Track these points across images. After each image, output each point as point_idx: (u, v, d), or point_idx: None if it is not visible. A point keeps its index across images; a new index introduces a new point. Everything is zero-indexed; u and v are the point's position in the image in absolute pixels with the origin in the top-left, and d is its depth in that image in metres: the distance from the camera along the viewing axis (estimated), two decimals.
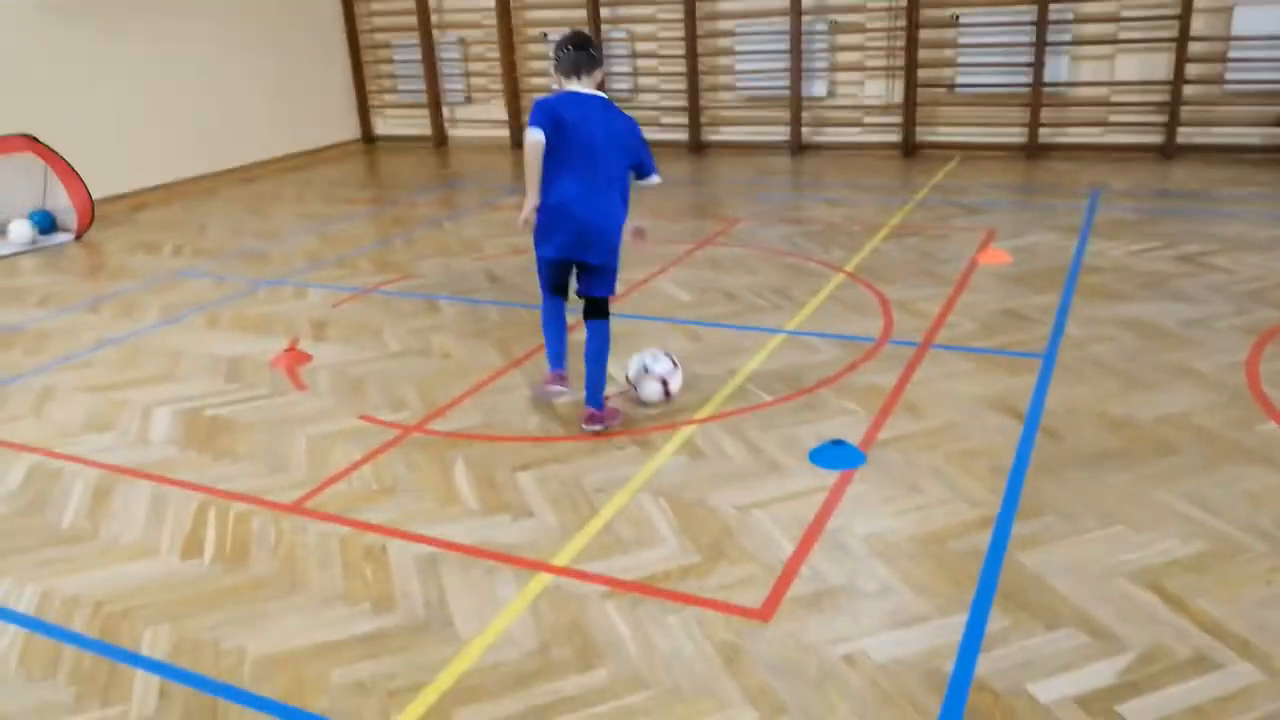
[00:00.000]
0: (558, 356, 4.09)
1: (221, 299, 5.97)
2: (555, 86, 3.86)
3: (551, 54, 3.83)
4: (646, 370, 4.05)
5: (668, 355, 4.10)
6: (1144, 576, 2.77)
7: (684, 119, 10.18)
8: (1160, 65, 8.31)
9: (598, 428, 3.84)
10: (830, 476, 3.42)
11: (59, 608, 2.94)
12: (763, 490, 3.36)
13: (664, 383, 4.04)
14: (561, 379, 4.07)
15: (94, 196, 8.37)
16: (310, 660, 2.63)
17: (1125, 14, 8.34)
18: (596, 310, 3.88)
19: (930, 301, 5.14)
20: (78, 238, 7.78)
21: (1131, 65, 8.44)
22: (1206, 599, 2.66)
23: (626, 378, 4.12)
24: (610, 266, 3.85)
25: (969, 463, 3.46)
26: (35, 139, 7.63)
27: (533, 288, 5.60)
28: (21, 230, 7.53)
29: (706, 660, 2.53)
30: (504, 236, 7.03)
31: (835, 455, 3.52)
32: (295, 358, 4.83)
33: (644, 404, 4.07)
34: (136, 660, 2.68)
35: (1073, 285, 5.27)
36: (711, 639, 2.61)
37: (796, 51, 9.34)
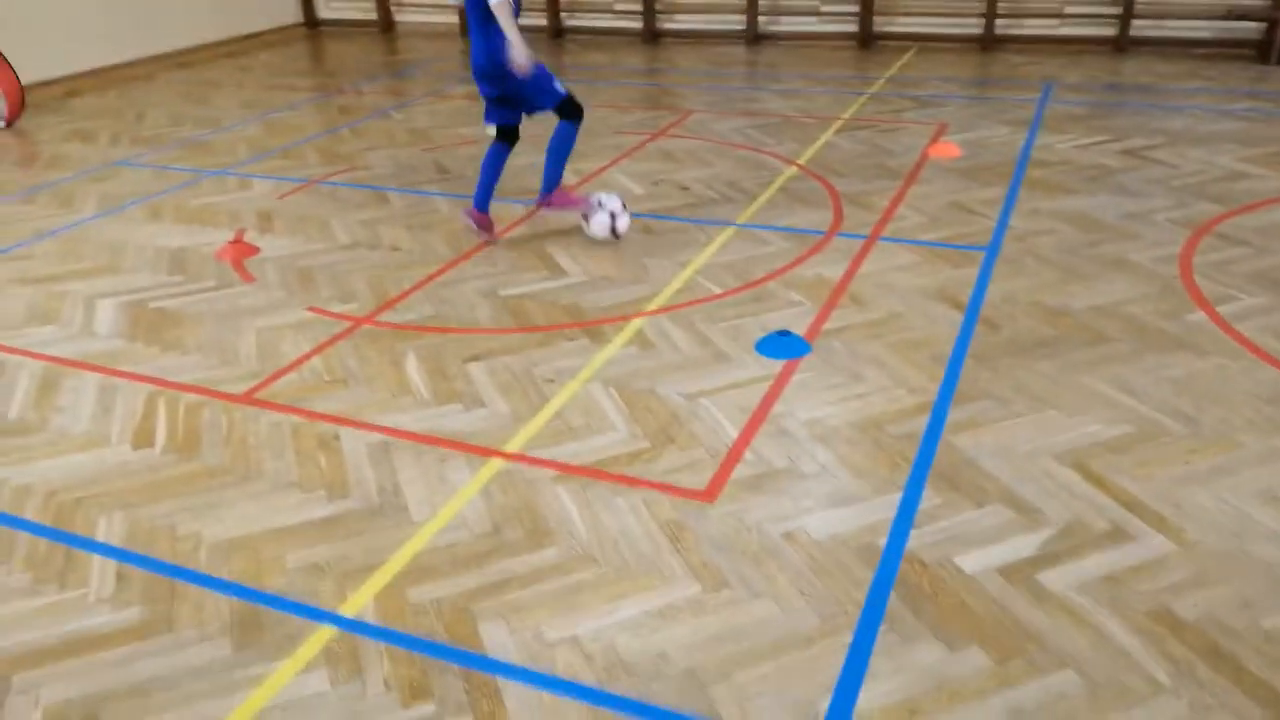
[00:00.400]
0: (482, 197, 4.65)
1: (163, 190, 5.82)
2: None
3: None
4: (600, 204, 4.51)
5: (620, 199, 4.61)
6: (1069, 457, 2.91)
7: (638, 6, 9.92)
8: None
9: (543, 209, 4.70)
10: (776, 366, 3.50)
11: (10, 497, 2.95)
12: (710, 379, 3.43)
13: (612, 218, 4.42)
14: (478, 219, 4.66)
15: (30, 80, 8.04)
16: (266, 544, 2.69)
17: None
18: (560, 114, 4.55)
19: (880, 195, 5.17)
20: (8, 125, 7.47)
21: None
22: (1126, 477, 2.81)
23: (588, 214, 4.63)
24: (518, 94, 4.37)
25: (910, 352, 3.56)
26: None
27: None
28: None
29: (652, 539, 2.64)
30: (453, 126, 6.88)
31: (781, 345, 3.60)
32: (241, 250, 4.76)
33: (593, 239, 4.52)
34: (92, 546, 2.72)
35: (1019, 179, 5.33)
36: (658, 519, 2.71)
37: None
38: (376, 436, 3.18)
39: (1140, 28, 8.40)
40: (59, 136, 7.17)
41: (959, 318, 3.80)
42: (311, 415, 3.32)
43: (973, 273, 4.19)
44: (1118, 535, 2.57)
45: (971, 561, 2.49)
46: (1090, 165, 5.50)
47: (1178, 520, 2.62)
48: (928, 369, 3.44)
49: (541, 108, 4.50)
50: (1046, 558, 2.50)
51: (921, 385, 3.34)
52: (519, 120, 4.56)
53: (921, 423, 3.11)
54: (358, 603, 2.46)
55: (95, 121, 7.57)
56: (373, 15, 11.11)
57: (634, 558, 2.57)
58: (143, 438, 3.24)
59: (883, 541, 2.58)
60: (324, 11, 11.49)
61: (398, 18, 11.19)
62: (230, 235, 4.97)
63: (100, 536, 2.76)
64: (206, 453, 3.14)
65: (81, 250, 4.91)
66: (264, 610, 2.44)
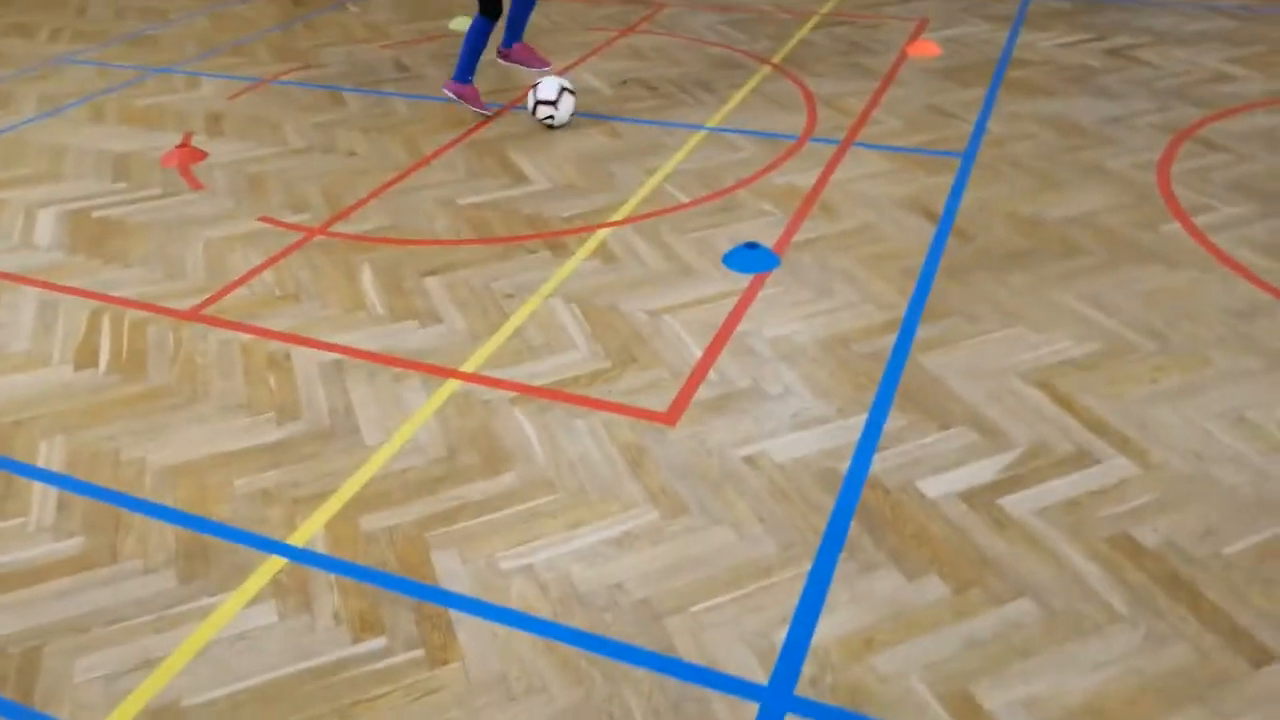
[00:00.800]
0: (461, 67, 4.77)
1: (106, 89, 5.54)
2: None
3: None
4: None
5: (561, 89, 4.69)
6: (1036, 376, 2.85)
7: None
8: None
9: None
10: (743, 280, 3.40)
11: None
12: (675, 295, 3.33)
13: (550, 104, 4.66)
14: (456, 89, 4.80)
15: None
16: (213, 469, 2.62)
17: None
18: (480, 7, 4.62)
19: (855, 97, 4.99)
20: None
21: None
22: (1093, 396, 2.76)
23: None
24: None
25: (880, 265, 3.47)
26: None
27: (442, 79, 5.32)
28: None
29: (612, 464, 2.58)
30: (414, 21, 6.56)
31: (749, 258, 3.49)
32: (189, 154, 4.55)
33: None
34: (33, 472, 2.63)
35: (999, 80, 5.15)
36: (617, 442, 2.65)
37: None
38: (329, 355, 3.08)
39: None
40: None
41: (931, 229, 3.70)
42: (262, 333, 3.21)
43: (948, 180, 4.07)
44: (1082, 458, 2.54)
45: (934, 486, 2.45)
46: (1072, 65, 5.33)
47: (1142, 442, 2.58)
48: (898, 283, 3.36)
49: None
50: (1009, 481, 2.47)
51: (891, 300, 3.26)
52: None
53: (889, 341, 3.04)
54: (307, 532, 2.40)
55: (34, 14, 7.16)
56: None
57: (592, 484, 2.52)
58: (85, 357, 3.12)
59: (845, 466, 2.53)
60: None
61: None
62: (177, 139, 4.75)
63: (41, 462, 2.68)
64: (152, 373, 3.03)
65: (20, 155, 4.68)
66: (210, 540, 2.38)
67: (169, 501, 2.52)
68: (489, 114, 4.87)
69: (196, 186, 4.27)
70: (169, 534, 2.41)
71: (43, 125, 5.03)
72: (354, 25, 6.57)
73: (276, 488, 2.55)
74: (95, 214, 4.05)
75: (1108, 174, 4.07)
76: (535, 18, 6.51)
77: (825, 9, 6.55)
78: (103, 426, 2.80)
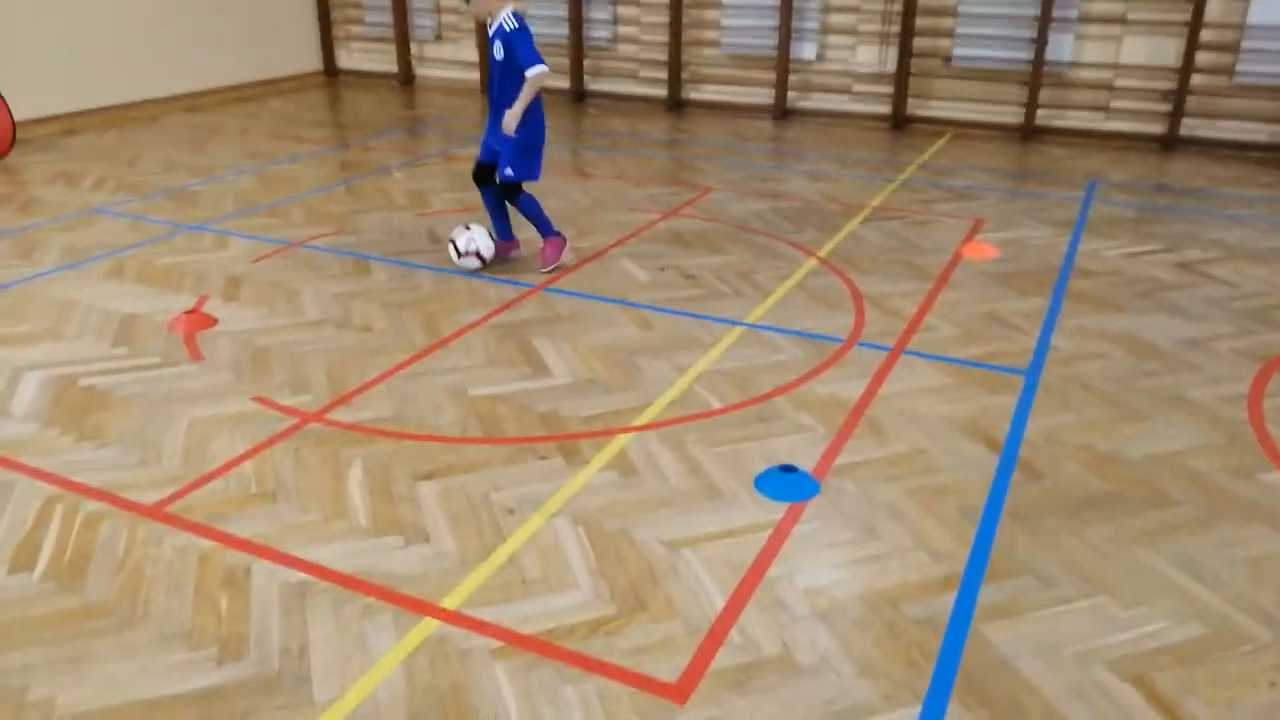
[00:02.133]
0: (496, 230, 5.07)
1: (134, 244, 5.41)
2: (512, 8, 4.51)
3: None
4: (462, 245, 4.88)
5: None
6: (1128, 666, 2.36)
7: (663, 74, 9.58)
8: (1169, 51, 7.82)
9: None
10: (776, 510, 2.98)
11: None
12: (698, 523, 2.91)
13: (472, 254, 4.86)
14: (501, 248, 5.03)
15: (24, 116, 7.77)
16: None
17: None
18: (502, 190, 4.89)
19: (907, 298, 4.68)
20: None
21: (1139, 49, 7.94)
22: (1199, 700, 2.26)
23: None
24: (500, 144, 4.77)
25: (935, 501, 3.03)
26: None
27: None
28: None
29: None
30: (454, 191, 6.48)
31: (784, 484, 3.08)
32: (198, 320, 4.31)
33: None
34: None
35: (1062, 289, 4.83)
36: None
37: (786, 9, 8.75)
38: (295, 575, 2.67)
39: (1191, 126, 7.95)
40: (43, 177, 6.82)
41: (993, 460, 3.27)
42: (225, 540, 2.82)
43: (1010, 402, 3.67)
44: None
45: None
46: (1141, 278, 5.00)
47: None
48: (955, 526, 2.91)
49: (501, 170, 4.75)
50: None
51: (948, 549, 2.80)
52: (491, 164, 4.84)
53: (947, 603, 2.57)
54: None
55: (85, 163, 7.22)
56: (393, 67, 10.85)
57: None
58: (24, 557, 2.75)
59: None
60: (344, 61, 11.25)
61: (418, 71, 10.93)
62: (191, 302, 4.53)
63: None
64: (91, 583, 2.64)
65: (27, 310, 4.47)
66: None
67: None
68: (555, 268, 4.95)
69: (197, 357, 4.00)
70: None
71: (59, 278, 4.86)
72: (395, 191, 6.49)
73: None
74: (82, 382, 3.77)
75: (1191, 405, 3.65)
76: (577, 194, 6.40)
77: (876, 202, 6.37)
78: (19, 652, 2.39)
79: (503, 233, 5.04)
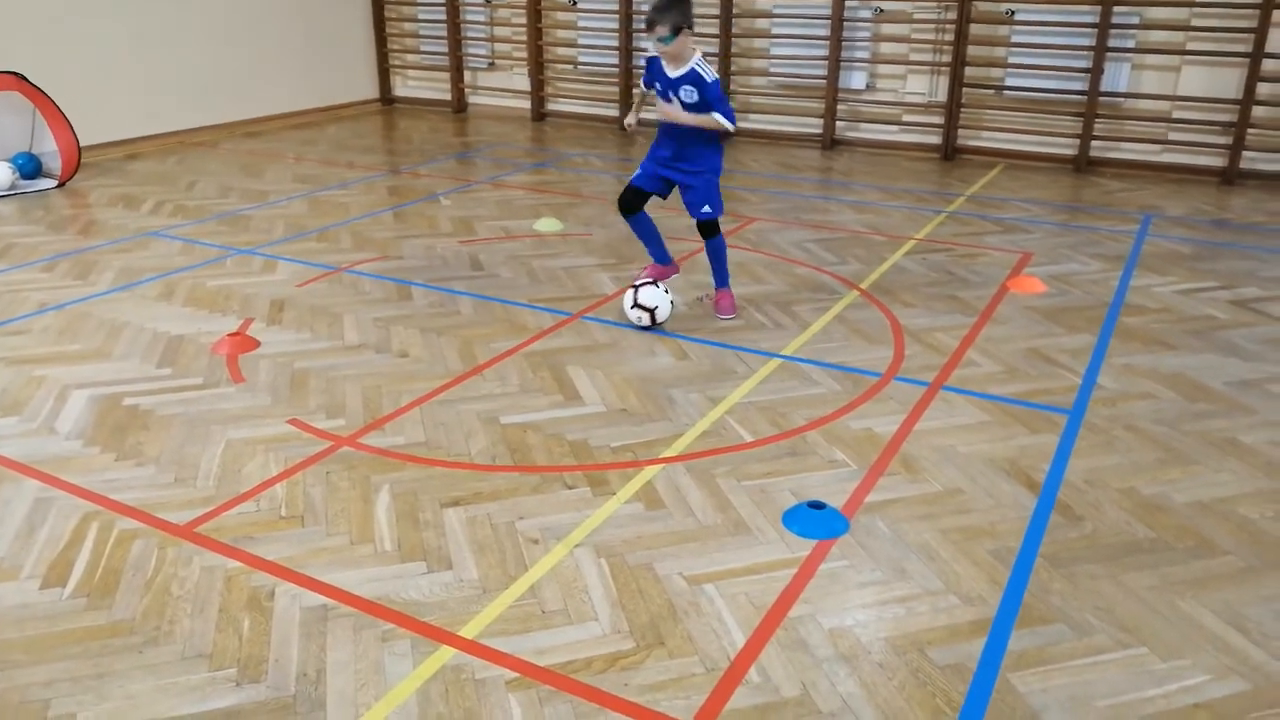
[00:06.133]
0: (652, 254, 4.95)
1: (185, 266, 5.54)
2: (692, 46, 4.38)
3: (684, 14, 4.29)
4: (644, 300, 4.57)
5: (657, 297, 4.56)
6: None
7: None
8: (1229, 82, 7.64)
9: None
10: (803, 547, 2.92)
11: None
12: (722, 559, 2.87)
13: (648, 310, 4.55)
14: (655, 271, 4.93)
15: (92, 141, 8.03)
16: None
17: (1196, 23, 7.66)
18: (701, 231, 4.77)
19: (949, 333, 4.60)
20: (61, 185, 7.39)
21: (1198, 79, 7.77)
22: None
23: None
24: (688, 179, 4.67)
25: (969, 543, 2.95)
26: (23, 78, 7.22)
27: (520, 281, 5.17)
28: (0, 174, 7.14)
29: None
30: (500, 219, 6.54)
31: (813, 521, 3.02)
32: (241, 343, 4.39)
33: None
34: None
35: (1111, 326, 4.71)
36: None
37: (836, 39, 8.74)
38: (317, 599, 2.68)
39: (1251, 160, 7.74)
40: (105, 200, 7.04)
41: (1031, 501, 3.18)
42: (253, 561, 2.84)
43: (1051, 441, 3.57)
44: None
45: None
46: (1194, 316, 4.86)
47: None
48: (988, 569, 2.83)
49: (694, 208, 4.62)
50: None
51: (979, 592, 2.72)
52: (651, 193, 4.70)
53: (976, 649, 2.50)
54: None
55: (145, 187, 7.44)
56: (447, 95, 11.04)
57: None
58: (57, 573, 2.80)
59: None
60: (399, 89, 11.47)
61: (471, 99, 11.10)
62: (235, 325, 4.62)
63: None
64: (119, 601, 2.68)
65: (79, 329, 4.60)
66: None
67: None
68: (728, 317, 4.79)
69: (237, 379, 4.07)
70: None
71: (112, 299, 4.99)
72: (441, 218, 6.58)
73: None
74: (126, 401, 3.85)
75: (1243, 451, 3.52)
76: (621, 223, 6.41)
77: (921, 233, 6.29)
78: (44, 666, 2.43)
79: (662, 257, 4.90)
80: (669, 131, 4.56)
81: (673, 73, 4.38)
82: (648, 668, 2.43)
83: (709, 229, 4.66)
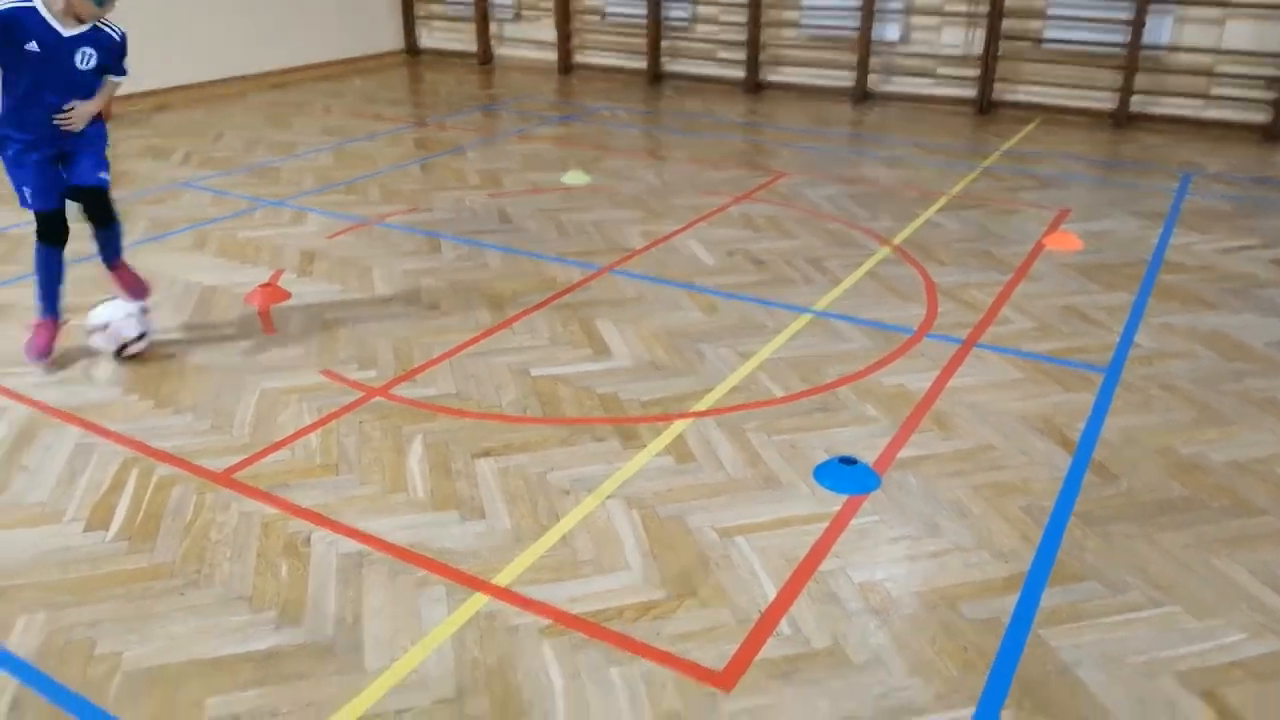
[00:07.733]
0: None
1: (216, 217, 5.56)
2: None
3: None
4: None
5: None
6: (1197, 679, 2.26)
7: (741, 55, 9.46)
8: (1275, 35, 7.43)
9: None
10: (835, 501, 2.92)
11: None
12: (753, 512, 2.88)
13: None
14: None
15: (121, 92, 7.99)
16: (187, 681, 2.24)
17: None
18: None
19: (983, 290, 4.55)
20: None
21: (1243, 33, 7.55)
22: (1274, 718, 2.15)
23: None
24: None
25: (1001, 499, 2.94)
26: None
27: (548, 234, 5.14)
28: None
29: None
30: (525, 171, 6.50)
31: (844, 475, 3.02)
32: (272, 294, 4.41)
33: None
34: (1, 656, 2.32)
35: (1150, 284, 4.63)
36: (658, 708, 2.17)
37: None
38: (353, 545, 2.72)
39: None
40: (133, 151, 7.06)
41: (1065, 459, 3.16)
42: (288, 508, 2.88)
43: (1087, 400, 3.54)
44: None
45: None
46: (1235, 274, 4.77)
47: None
48: (1021, 526, 2.82)
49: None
50: None
51: (1012, 548, 2.72)
52: None
53: (1008, 604, 2.50)
54: None
55: (173, 139, 7.44)
56: (472, 47, 10.93)
57: None
58: (99, 517, 2.85)
59: None
60: (425, 40, 11.37)
61: (497, 50, 10.99)
62: (266, 277, 4.64)
63: (12, 643, 2.36)
64: (160, 545, 2.73)
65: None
66: None
67: (128, 716, 2.14)
68: None
69: (270, 331, 4.09)
70: None
71: (145, 249, 5.02)
72: (468, 171, 6.55)
73: (251, 713, 2.15)
74: (162, 349, 3.89)
75: None
76: (650, 176, 6.37)
77: (956, 189, 6.20)
78: (89, 607, 2.48)
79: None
80: None
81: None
82: (679, 618, 2.45)
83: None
